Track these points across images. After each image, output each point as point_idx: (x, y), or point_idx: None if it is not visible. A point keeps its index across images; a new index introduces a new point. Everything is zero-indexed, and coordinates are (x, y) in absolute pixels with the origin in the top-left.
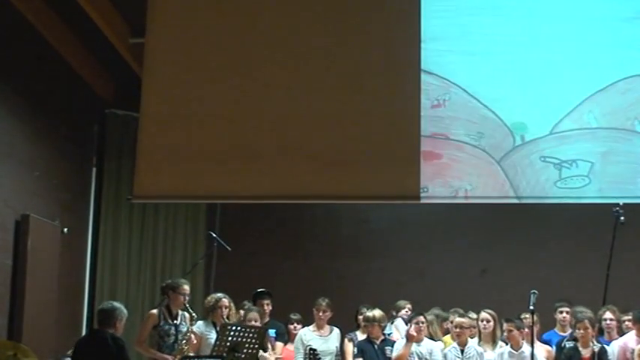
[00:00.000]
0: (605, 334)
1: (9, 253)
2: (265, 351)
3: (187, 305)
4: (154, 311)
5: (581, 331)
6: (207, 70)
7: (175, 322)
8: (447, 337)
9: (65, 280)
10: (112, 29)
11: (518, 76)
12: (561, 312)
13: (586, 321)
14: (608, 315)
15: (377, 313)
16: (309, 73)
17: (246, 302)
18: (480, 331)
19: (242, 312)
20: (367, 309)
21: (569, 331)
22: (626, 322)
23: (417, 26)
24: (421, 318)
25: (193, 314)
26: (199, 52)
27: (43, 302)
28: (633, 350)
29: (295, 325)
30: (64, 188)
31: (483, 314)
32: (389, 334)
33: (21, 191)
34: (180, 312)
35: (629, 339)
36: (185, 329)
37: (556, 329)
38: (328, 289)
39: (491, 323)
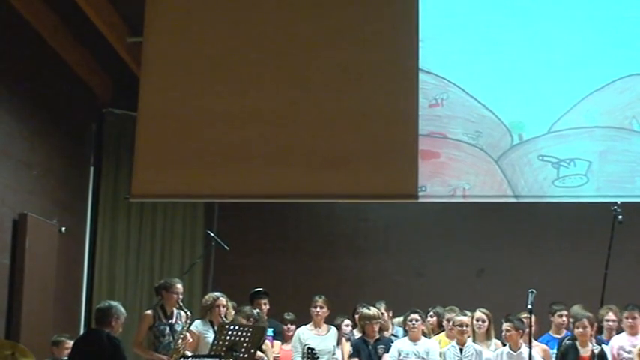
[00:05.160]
0: (605, 333)
1: (7, 253)
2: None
3: (181, 304)
4: (149, 312)
5: (580, 329)
6: (205, 70)
7: (170, 321)
8: (442, 336)
9: (63, 280)
10: (110, 28)
11: (517, 75)
12: (560, 315)
13: (585, 320)
14: (611, 316)
15: (373, 310)
16: (307, 72)
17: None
18: (474, 330)
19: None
20: (364, 307)
21: (564, 333)
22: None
23: (415, 25)
24: (415, 316)
25: (188, 312)
26: (197, 51)
27: (41, 301)
28: (620, 347)
29: (289, 325)
30: (61, 187)
31: (478, 313)
32: (395, 335)
33: (19, 190)
34: (175, 311)
35: (621, 337)
36: (180, 328)
37: (551, 332)
38: (326, 288)
39: (486, 323)
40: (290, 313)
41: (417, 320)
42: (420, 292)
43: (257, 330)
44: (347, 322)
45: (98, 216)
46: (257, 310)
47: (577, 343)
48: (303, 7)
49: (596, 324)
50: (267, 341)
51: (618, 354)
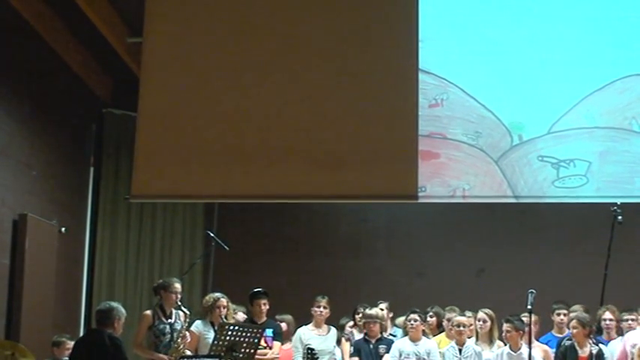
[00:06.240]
0: (604, 334)
1: (6, 253)
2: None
3: (180, 303)
4: (148, 312)
5: (571, 330)
6: (205, 70)
7: (170, 320)
8: (442, 336)
9: (63, 280)
10: (110, 28)
11: (516, 76)
12: (559, 314)
13: (574, 321)
14: (607, 315)
15: (378, 311)
16: (307, 72)
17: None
18: (476, 331)
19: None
20: (365, 307)
21: (567, 332)
22: (630, 322)
23: (415, 26)
24: (414, 316)
25: (187, 312)
26: (197, 51)
27: (41, 302)
28: (634, 345)
29: (278, 322)
30: (61, 188)
31: (480, 314)
32: (394, 335)
33: (18, 191)
34: (174, 310)
35: (636, 333)
36: (180, 327)
37: (553, 331)
38: (326, 289)
39: (488, 323)
40: (283, 314)
41: (415, 320)
42: (420, 292)
43: (257, 330)
44: (351, 323)
45: (98, 216)
46: None
47: (575, 344)
48: (303, 8)
49: (595, 324)
50: None
51: (632, 352)
